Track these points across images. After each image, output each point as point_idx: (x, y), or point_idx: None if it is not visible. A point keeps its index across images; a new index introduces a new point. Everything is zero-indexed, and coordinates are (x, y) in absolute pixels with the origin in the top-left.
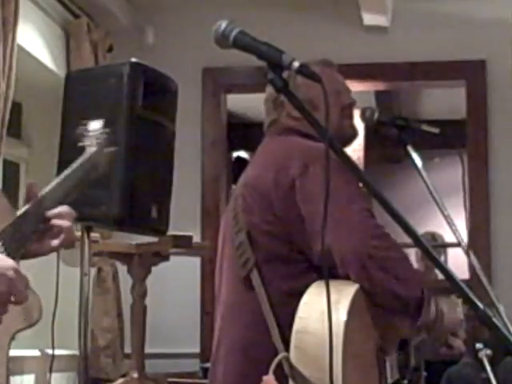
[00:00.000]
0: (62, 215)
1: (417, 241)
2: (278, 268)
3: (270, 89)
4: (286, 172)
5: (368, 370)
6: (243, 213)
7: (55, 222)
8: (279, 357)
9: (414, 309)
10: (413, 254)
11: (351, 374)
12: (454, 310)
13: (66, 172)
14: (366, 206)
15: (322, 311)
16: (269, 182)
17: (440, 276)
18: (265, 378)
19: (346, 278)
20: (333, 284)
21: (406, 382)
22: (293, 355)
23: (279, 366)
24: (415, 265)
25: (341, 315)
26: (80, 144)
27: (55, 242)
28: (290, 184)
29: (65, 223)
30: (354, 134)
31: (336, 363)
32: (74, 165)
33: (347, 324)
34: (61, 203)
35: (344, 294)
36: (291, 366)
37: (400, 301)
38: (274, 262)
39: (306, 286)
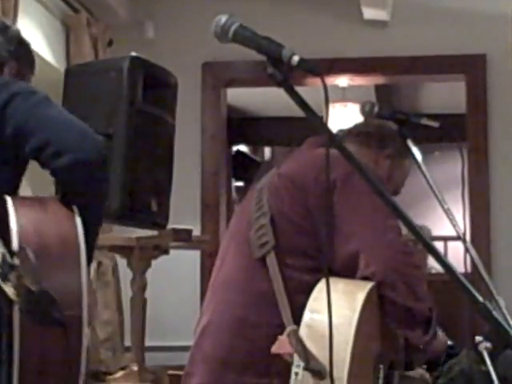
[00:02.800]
0: None
1: (417, 235)
2: (295, 258)
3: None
4: (329, 173)
5: (367, 371)
6: (272, 199)
7: None
8: (289, 329)
9: (422, 326)
10: None
11: (355, 370)
12: (443, 334)
13: None
14: (397, 223)
15: (336, 299)
16: (309, 178)
17: (439, 269)
18: (280, 337)
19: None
20: (347, 281)
21: None
22: (302, 331)
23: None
24: None
25: (357, 303)
26: None
27: None
28: (331, 184)
29: None
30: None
31: (346, 347)
32: None
33: (362, 312)
34: None
35: (360, 287)
36: (299, 340)
37: (414, 317)
38: (293, 252)
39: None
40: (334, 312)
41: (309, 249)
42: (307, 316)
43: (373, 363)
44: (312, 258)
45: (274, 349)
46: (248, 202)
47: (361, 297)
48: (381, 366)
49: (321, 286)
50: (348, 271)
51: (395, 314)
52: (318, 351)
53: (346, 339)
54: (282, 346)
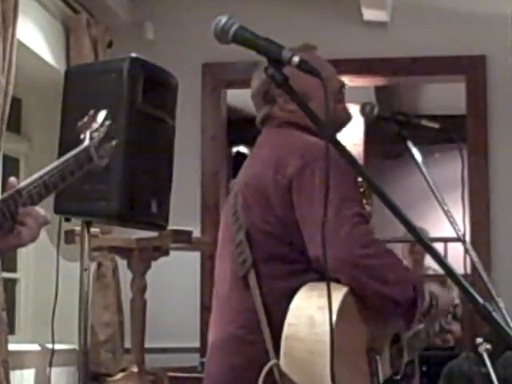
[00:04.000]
0: (31, 214)
1: (416, 236)
2: (276, 267)
3: (256, 83)
4: (284, 171)
5: (359, 371)
6: (243, 211)
7: (23, 219)
8: (269, 364)
9: (407, 309)
10: (398, 249)
11: (342, 379)
12: (446, 291)
13: (55, 163)
14: (358, 209)
15: (311, 316)
16: (268, 181)
17: (438, 270)
18: None
19: (339, 280)
20: (322, 288)
21: (398, 377)
22: (282, 362)
23: (270, 371)
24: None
25: (328, 321)
26: (81, 135)
27: (13, 242)
28: (287, 184)
29: (31, 223)
30: (348, 118)
31: (323, 371)
32: (67, 155)
33: (335, 330)
34: (40, 196)
35: (332, 299)
36: (281, 373)
37: (393, 303)
38: (273, 261)
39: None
40: (311, 334)
41: (287, 254)
42: (284, 344)
43: (366, 359)
44: (291, 262)
45: None
46: (228, 209)
47: (333, 309)
48: (377, 357)
49: (294, 306)
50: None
51: (375, 306)
52: (299, 378)
53: (324, 360)
54: None
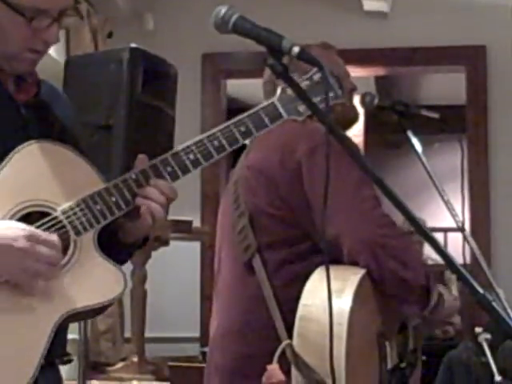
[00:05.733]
0: (149, 195)
1: (416, 226)
2: (281, 252)
3: (268, 71)
4: (292, 154)
5: (369, 356)
6: (247, 195)
7: (139, 201)
8: (283, 345)
9: (421, 295)
10: None
11: (353, 363)
12: (452, 296)
13: (218, 127)
14: (373, 192)
15: (326, 299)
16: (275, 164)
17: (438, 260)
18: (269, 367)
19: (351, 264)
20: (337, 271)
21: (404, 364)
22: (296, 343)
23: (282, 352)
24: None
25: (345, 304)
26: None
27: (136, 232)
28: (296, 167)
29: (148, 205)
30: (355, 117)
31: (339, 353)
32: (242, 115)
33: (351, 313)
34: (198, 161)
35: (348, 283)
36: (294, 354)
37: (409, 287)
38: (278, 245)
39: (310, 270)
40: (325, 317)
41: (293, 237)
42: (298, 325)
43: (376, 343)
44: (299, 245)
45: (265, 379)
46: (228, 197)
47: (348, 300)
48: (386, 343)
49: (309, 288)
50: (335, 253)
51: (391, 290)
52: (312, 360)
53: (340, 340)
54: (272, 375)
